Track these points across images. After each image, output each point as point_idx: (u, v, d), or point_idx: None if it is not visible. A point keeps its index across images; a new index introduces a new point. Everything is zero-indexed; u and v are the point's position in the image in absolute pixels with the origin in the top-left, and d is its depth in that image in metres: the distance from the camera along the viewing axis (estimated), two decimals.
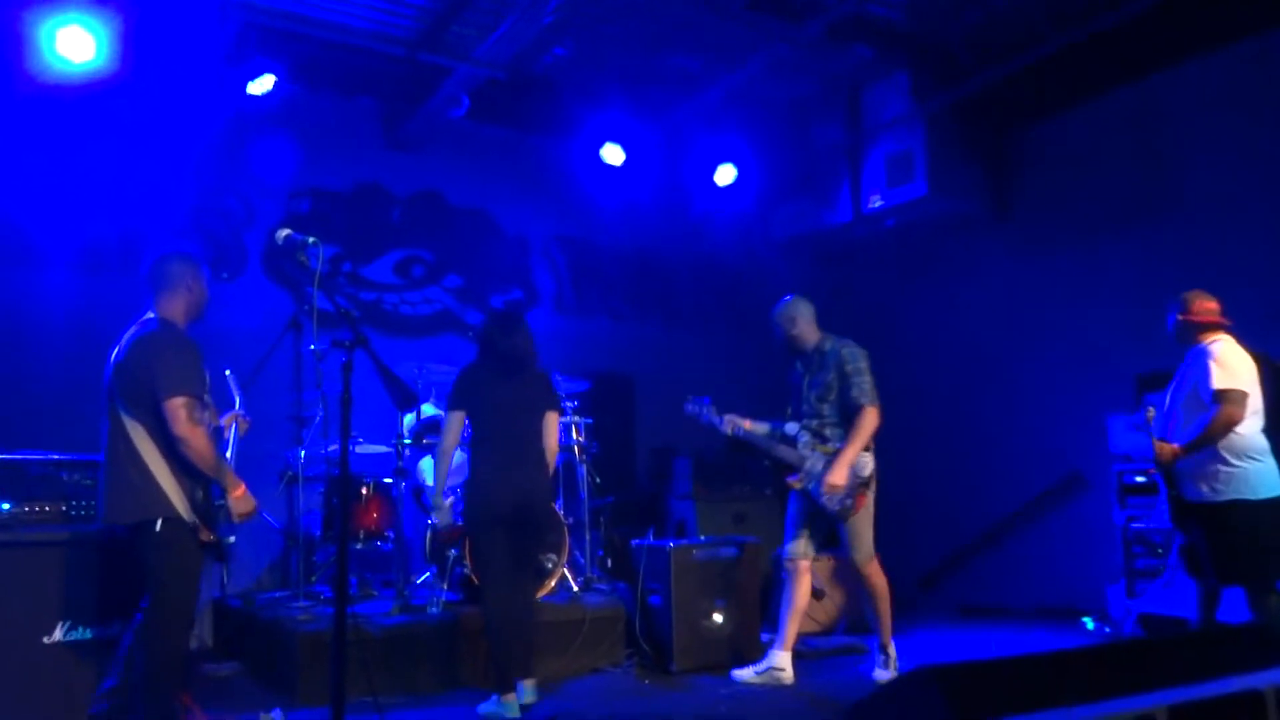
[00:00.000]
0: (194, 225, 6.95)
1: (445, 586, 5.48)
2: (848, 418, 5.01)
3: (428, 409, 6.32)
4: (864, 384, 5.01)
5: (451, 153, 7.97)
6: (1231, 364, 4.52)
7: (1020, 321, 8.01)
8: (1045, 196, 8.01)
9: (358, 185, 7.71)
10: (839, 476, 4.88)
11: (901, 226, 8.38)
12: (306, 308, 4.06)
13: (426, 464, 6.24)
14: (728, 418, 5.25)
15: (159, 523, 3.46)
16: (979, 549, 8.22)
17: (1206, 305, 4.76)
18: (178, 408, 3.44)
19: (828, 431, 5.09)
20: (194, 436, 3.45)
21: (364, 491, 5.88)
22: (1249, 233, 6.67)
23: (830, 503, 4.95)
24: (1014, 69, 6.89)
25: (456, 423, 4.66)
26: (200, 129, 6.84)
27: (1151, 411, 4.88)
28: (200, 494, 3.55)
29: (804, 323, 5.22)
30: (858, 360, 5.06)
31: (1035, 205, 8.09)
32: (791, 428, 5.15)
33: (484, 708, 4.50)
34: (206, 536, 3.52)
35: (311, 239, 3.47)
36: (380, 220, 7.80)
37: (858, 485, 4.92)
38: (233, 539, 3.67)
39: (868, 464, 4.98)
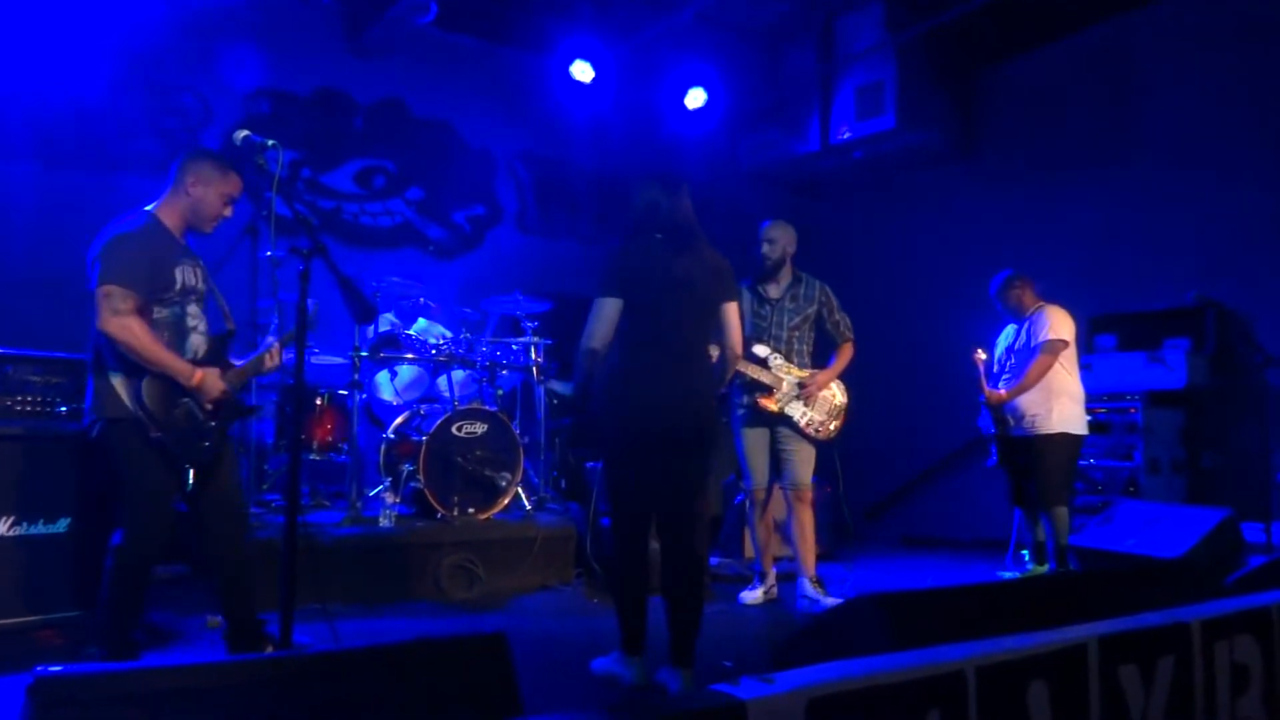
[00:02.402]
0: (149, 122, 6.74)
1: (397, 500, 5.49)
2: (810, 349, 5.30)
3: (385, 322, 6.27)
4: (848, 321, 5.33)
5: (417, 61, 7.78)
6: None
7: (979, 258, 8.04)
8: (1011, 134, 8.03)
9: (319, 90, 7.50)
10: (829, 381, 5.18)
11: (869, 159, 8.36)
12: (264, 213, 3.94)
13: (383, 377, 6.21)
14: None
15: (102, 424, 3.37)
16: (925, 482, 8.39)
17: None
18: (100, 298, 3.26)
19: (805, 358, 5.25)
20: (118, 329, 3.26)
21: (319, 402, 5.85)
22: (1206, 178, 6.76)
23: (811, 420, 5.14)
24: (989, 2, 6.83)
25: (611, 313, 3.58)
26: (158, 21, 6.58)
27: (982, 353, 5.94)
28: (188, 401, 3.40)
29: (793, 250, 5.28)
30: (836, 298, 5.33)
31: (1001, 142, 8.11)
32: (762, 350, 5.16)
33: (600, 663, 3.77)
34: (155, 433, 3.32)
35: (271, 142, 3.35)
36: (342, 127, 7.62)
37: (838, 410, 5.24)
38: (207, 443, 3.43)
39: (844, 393, 5.29)
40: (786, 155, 8.62)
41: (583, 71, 7.70)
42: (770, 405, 5.13)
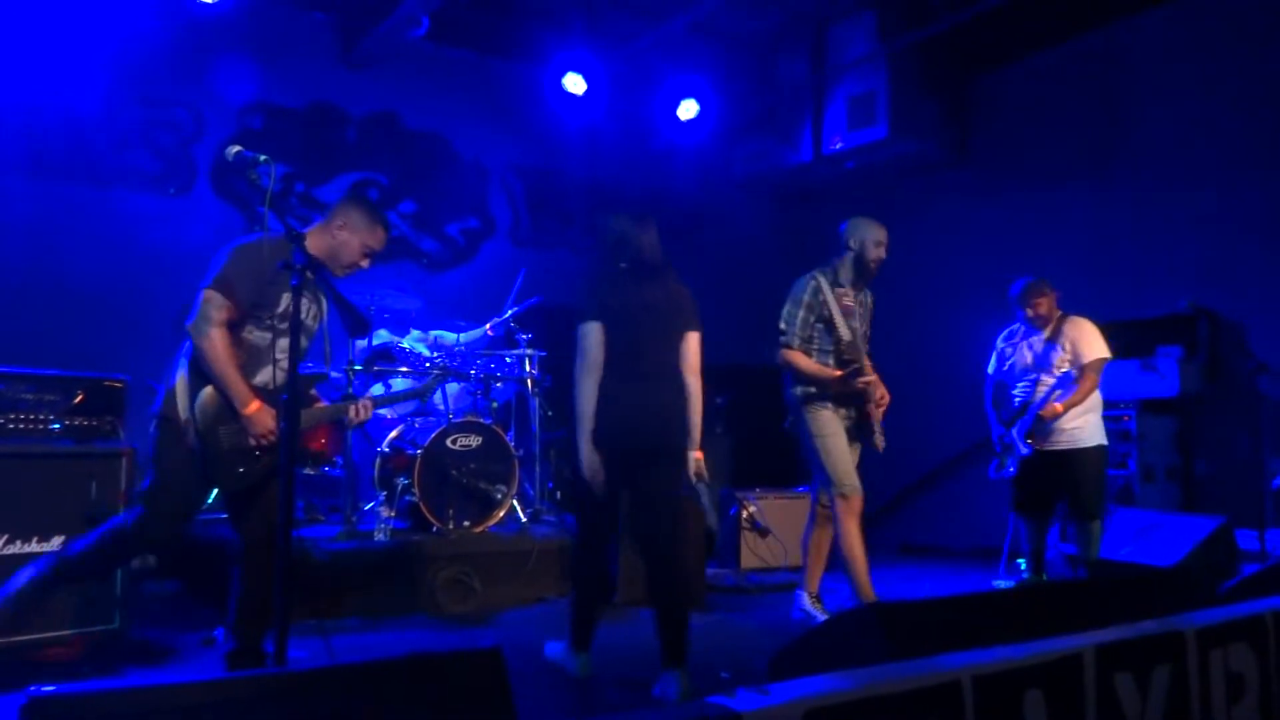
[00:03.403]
0: (142, 135, 6.76)
1: (393, 514, 5.48)
2: None
3: (380, 335, 6.26)
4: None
5: (409, 74, 7.79)
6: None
7: (973, 266, 8.08)
8: (1004, 142, 8.05)
9: (312, 103, 7.51)
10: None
11: (862, 168, 8.38)
12: (257, 227, 3.92)
13: (377, 390, 6.20)
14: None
15: (157, 421, 3.45)
16: (922, 489, 8.39)
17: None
18: (202, 302, 3.34)
19: None
20: (200, 334, 3.33)
21: None
22: (1198, 186, 6.78)
23: (880, 434, 4.90)
24: (981, 11, 6.86)
25: (597, 335, 3.77)
26: (150, 35, 6.60)
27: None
28: (241, 427, 3.39)
29: None
30: None
31: (994, 150, 8.13)
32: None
33: (553, 649, 4.09)
34: (193, 441, 3.35)
35: (263, 157, 3.35)
36: (335, 140, 7.63)
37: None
38: (242, 470, 3.42)
39: None
40: (779, 165, 8.63)
41: (575, 84, 7.72)
42: (879, 414, 4.87)
